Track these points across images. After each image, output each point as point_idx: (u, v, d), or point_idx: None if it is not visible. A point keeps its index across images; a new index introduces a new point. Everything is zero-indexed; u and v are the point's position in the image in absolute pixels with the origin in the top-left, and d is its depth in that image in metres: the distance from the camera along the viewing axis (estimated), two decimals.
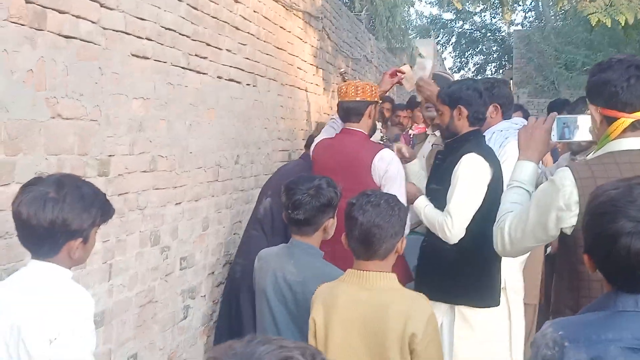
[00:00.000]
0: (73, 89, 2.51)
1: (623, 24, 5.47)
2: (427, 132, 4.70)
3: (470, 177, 3.04)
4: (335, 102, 5.77)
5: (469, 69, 31.38)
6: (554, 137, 2.23)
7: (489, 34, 30.51)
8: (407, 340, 2.03)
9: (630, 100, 1.96)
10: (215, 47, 3.78)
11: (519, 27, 27.75)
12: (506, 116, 3.63)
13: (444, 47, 30.59)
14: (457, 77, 23.65)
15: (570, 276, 2.04)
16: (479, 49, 30.94)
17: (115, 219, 2.65)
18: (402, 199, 3.13)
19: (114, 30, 2.76)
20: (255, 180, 4.50)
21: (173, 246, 3.39)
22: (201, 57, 3.60)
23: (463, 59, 31.71)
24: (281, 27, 5.01)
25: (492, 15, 28.80)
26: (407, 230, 3.00)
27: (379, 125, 4.53)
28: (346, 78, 6.15)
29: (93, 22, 2.62)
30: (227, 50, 3.94)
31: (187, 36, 3.42)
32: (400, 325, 2.03)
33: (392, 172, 3.35)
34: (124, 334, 2.95)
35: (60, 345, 1.66)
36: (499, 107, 3.55)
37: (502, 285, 3.20)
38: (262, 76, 4.58)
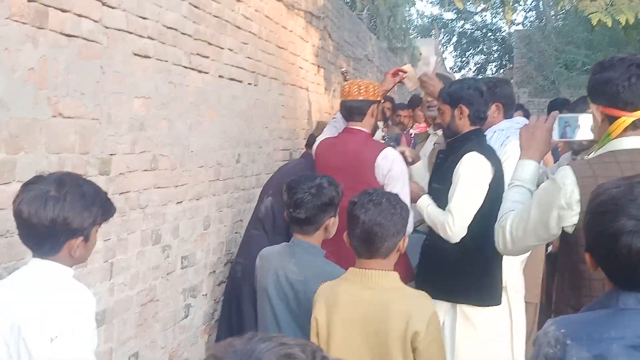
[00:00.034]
0: (74, 88, 2.51)
1: (624, 24, 5.45)
2: (429, 132, 4.70)
3: (471, 176, 3.04)
4: (336, 101, 5.78)
5: (470, 69, 31.43)
6: (555, 136, 2.22)
7: (489, 34, 30.53)
8: (410, 338, 2.03)
9: (631, 99, 1.96)
10: (217, 47, 3.78)
11: (520, 27, 27.79)
12: (508, 115, 3.62)
13: (444, 47, 30.61)
14: (457, 76, 23.64)
15: (572, 275, 2.04)
16: (479, 48, 30.97)
17: (117, 218, 2.65)
18: (405, 198, 3.13)
19: (115, 29, 2.76)
20: (256, 180, 4.50)
21: (174, 245, 3.39)
22: (203, 56, 3.60)
23: (464, 59, 31.75)
24: (283, 27, 5.01)
25: (493, 15, 28.84)
26: (410, 229, 3.01)
27: (380, 124, 4.53)
28: (347, 77, 6.14)
29: (95, 21, 2.62)
30: (228, 49, 3.94)
31: (189, 35, 3.42)
32: (403, 323, 2.03)
33: (396, 170, 3.34)
34: (125, 332, 2.96)
35: (60, 345, 1.66)
36: (501, 106, 3.54)
37: (503, 284, 3.20)
38: (263, 75, 4.58)
